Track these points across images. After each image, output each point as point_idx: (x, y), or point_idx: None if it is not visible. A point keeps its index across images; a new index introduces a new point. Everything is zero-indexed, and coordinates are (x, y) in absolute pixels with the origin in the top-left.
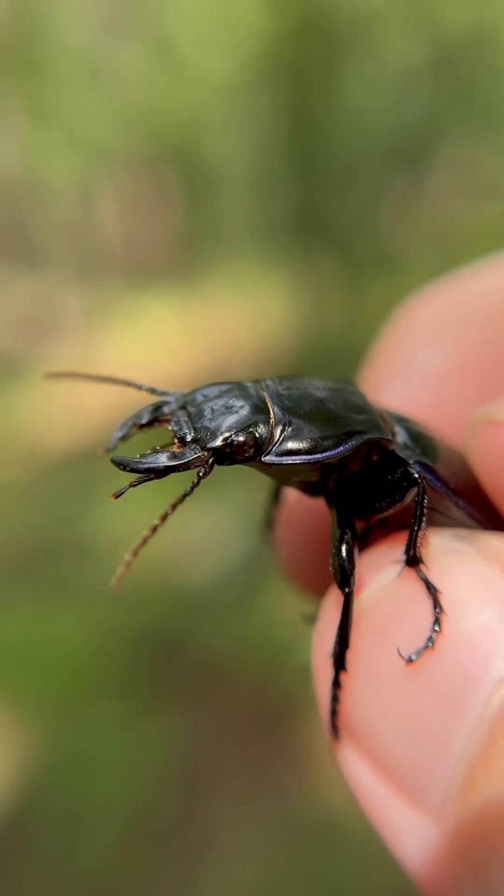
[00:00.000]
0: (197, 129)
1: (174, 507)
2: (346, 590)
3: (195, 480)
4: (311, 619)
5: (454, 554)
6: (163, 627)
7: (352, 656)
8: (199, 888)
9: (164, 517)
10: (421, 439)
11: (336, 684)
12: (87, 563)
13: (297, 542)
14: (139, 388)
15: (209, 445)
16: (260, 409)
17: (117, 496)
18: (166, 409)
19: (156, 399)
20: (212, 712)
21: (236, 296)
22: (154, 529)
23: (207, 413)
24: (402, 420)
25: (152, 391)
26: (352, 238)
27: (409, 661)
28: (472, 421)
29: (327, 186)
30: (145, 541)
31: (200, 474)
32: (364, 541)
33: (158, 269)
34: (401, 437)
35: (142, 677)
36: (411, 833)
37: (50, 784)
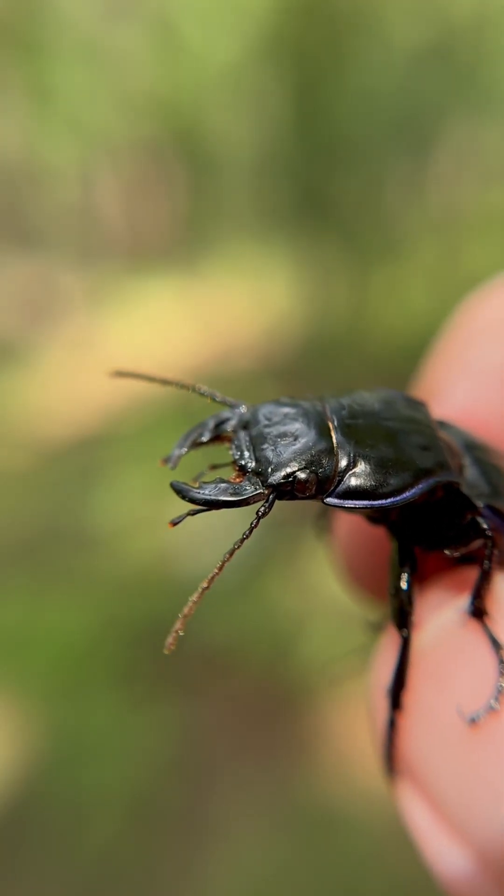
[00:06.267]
0: (200, 110)
1: (231, 553)
2: (405, 632)
3: (254, 521)
4: (376, 628)
5: None
6: (164, 616)
7: (408, 697)
8: (202, 875)
9: (222, 566)
10: (490, 474)
11: (392, 722)
12: (88, 551)
13: (359, 545)
14: (200, 393)
15: (270, 481)
16: (323, 439)
17: (174, 524)
18: (228, 427)
19: (217, 407)
20: (214, 701)
21: (239, 279)
22: (211, 580)
23: (270, 440)
24: (470, 447)
25: (213, 398)
26: (356, 222)
27: (472, 721)
28: None
29: (332, 170)
30: (203, 592)
31: (259, 513)
32: (424, 568)
33: (161, 253)
34: (469, 471)
35: (143, 665)
36: (464, 876)
37: (52, 772)
